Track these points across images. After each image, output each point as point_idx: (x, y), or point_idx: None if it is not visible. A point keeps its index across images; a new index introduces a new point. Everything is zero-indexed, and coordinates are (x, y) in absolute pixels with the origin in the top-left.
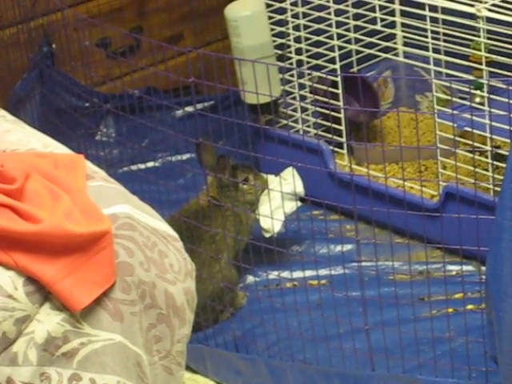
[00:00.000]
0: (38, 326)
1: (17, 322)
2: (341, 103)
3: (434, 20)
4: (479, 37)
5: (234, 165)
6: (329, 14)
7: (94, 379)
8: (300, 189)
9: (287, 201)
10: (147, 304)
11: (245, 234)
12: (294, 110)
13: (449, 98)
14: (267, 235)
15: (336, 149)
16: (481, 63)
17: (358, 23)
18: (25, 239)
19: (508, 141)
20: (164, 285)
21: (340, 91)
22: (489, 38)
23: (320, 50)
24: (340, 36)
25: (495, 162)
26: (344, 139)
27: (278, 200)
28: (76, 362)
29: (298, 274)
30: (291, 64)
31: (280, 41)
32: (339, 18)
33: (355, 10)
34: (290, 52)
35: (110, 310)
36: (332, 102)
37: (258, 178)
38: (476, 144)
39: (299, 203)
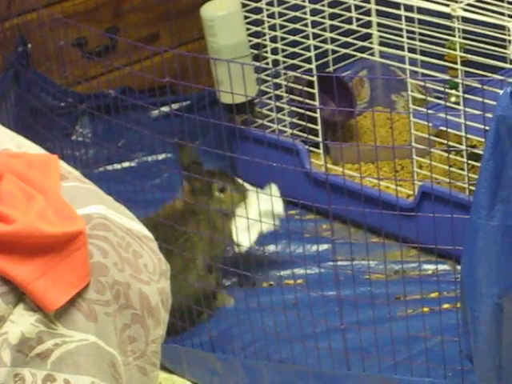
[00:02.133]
0: (11, 326)
1: None
2: (316, 103)
3: (409, 20)
4: (454, 36)
5: (211, 171)
6: (304, 13)
7: (69, 380)
8: (279, 209)
9: (264, 219)
10: (121, 304)
11: (221, 241)
12: (270, 110)
13: (424, 97)
14: (237, 249)
15: (312, 148)
16: (456, 63)
17: (334, 23)
18: None
19: (483, 140)
20: (138, 285)
21: (316, 91)
22: (464, 38)
23: (296, 49)
24: (316, 36)
25: (470, 162)
26: (320, 139)
27: (254, 216)
28: (50, 362)
29: (274, 274)
30: (267, 64)
31: (256, 40)
32: (315, 18)
33: (331, 10)
34: (266, 52)
35: (84, 311)
36: (308, 101)
37: (237, 189)
38: (451, 143)
39: (277, 223)
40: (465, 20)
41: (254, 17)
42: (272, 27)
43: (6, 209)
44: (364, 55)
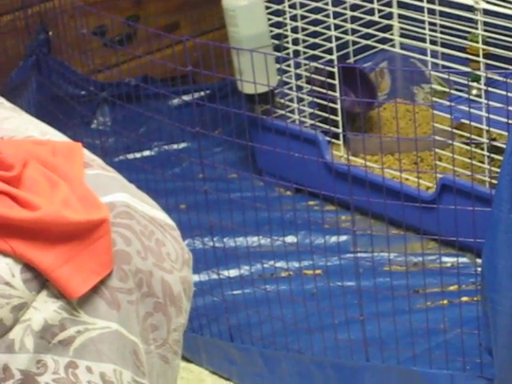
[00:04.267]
0: (34, 313)
1: (14, 310)
2: (337, 94)
3: (431, 11)
4: (477, 29)
5: None
6: (326, 4)
7: (91, 367)
8: None
9: None
10: (144, 292)
11: None
12: (291, 101)
13: (445, 89)
14: None
15: (332, 139)
16: (478, 55)
17: (355, 14)
18: (23, 226)
19: (504, 133)
20: (161, 273)
21: (337, 82)
22: (486, 31)
23: (317, 40)
24: (337, 27)
25: (491, 155)
26: (340, 130)
27: None
28: (72, 349)
29: (293, 265)
30: (288, 54)
31: (277, 31)
32: (336, 9)
33: (352, 1)
34: (287, 42)
35: (106, 299)
36: (329, 92)
37: None
38: (472, 136)
39: None
40: (487, 12)
41: (276, 7)
42: (293, 18)
43: (30, 195)
44: (385, 47)
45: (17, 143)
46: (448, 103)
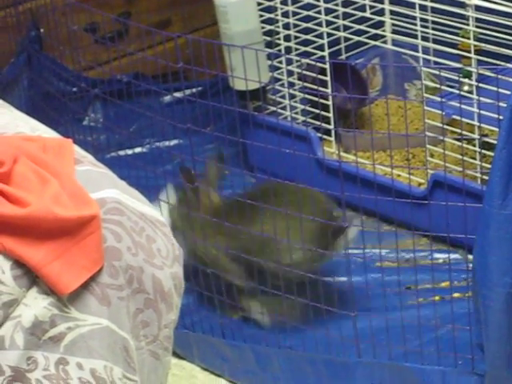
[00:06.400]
0: (25, 309)
1: (4, 306)
2: (329, 90)
3: (422, 8)
4: (468, 25)
5: None
6: (318, 0)
7: (81, 363)
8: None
9: None
10: (134, 289)
11: None
12: (282, 97)
13: (437, 85)
14: None
15: (323, 136)
16: (469, 51)
17: (347, 10)
18: (13, 223)
19: (495, 129)
20: (151, 270)
21: (328, 78)
22: (478, 27)
23: (309, 36)
24: (329, 23)
25: (483, 151)
26: (332, 126)
27: None
28: (63, 346)
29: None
30: (280, 51)
31: (269, 27)
32: (328, 5)
33: None
34: (279, 38)
35: (97, 295)
36: (320, 89)
37: None
38: (464, 132)
39: None
40: (479, 9)
41: (267, 3)
42: (285, 14)
43: (20, 192)
44: (377, 43)
45: (7, 139)
46: (439, 99)
